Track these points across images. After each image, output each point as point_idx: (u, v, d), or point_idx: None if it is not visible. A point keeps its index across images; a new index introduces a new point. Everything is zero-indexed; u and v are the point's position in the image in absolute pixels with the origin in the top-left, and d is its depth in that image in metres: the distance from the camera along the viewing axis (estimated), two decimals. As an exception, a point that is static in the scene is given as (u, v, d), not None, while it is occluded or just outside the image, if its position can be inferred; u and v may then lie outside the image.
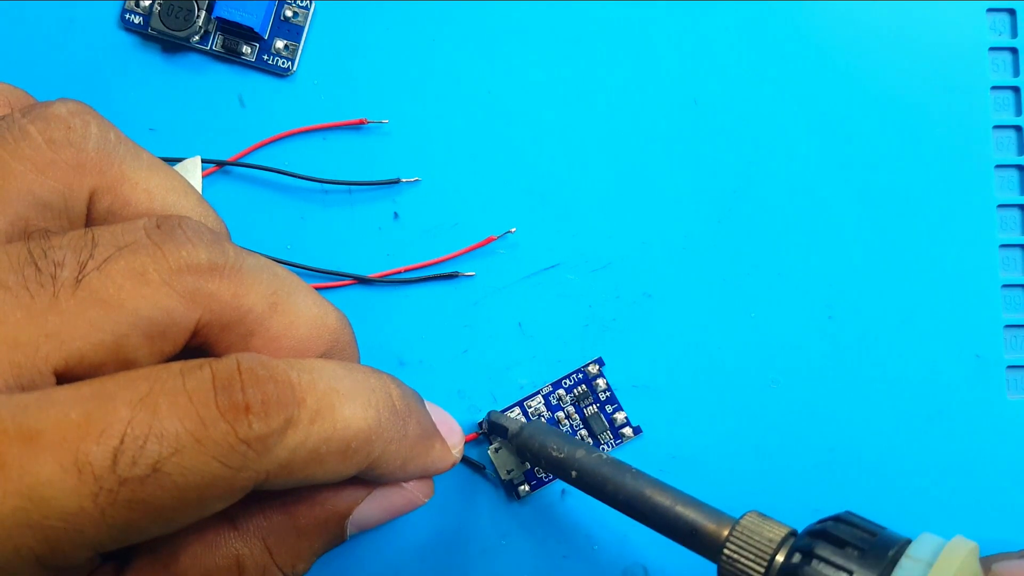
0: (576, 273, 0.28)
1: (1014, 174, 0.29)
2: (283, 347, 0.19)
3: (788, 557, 0.19)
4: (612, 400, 0.28)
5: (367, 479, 0.20)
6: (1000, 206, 0.29)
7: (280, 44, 0.28)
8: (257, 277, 0.18)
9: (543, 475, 0.27)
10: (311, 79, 0.29)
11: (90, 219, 0.19)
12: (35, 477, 0.15)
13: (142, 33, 0.28)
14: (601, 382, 0.27)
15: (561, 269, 0.28)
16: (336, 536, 0.21)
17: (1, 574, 0.15)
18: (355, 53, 0.29)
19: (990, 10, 0.30)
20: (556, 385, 0.28)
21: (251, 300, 0.18)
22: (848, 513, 0.20)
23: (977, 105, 0.29)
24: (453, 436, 0.23)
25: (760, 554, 0.19)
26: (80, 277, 0.16)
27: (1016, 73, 0.29)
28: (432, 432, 0.22)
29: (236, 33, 0.28)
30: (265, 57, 0.28)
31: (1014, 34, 0.30)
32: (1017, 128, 0.29)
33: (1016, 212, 0.29)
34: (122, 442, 0.15)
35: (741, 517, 0.20)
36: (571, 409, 0.27)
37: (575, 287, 0.28)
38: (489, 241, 0.28)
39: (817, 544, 0.19)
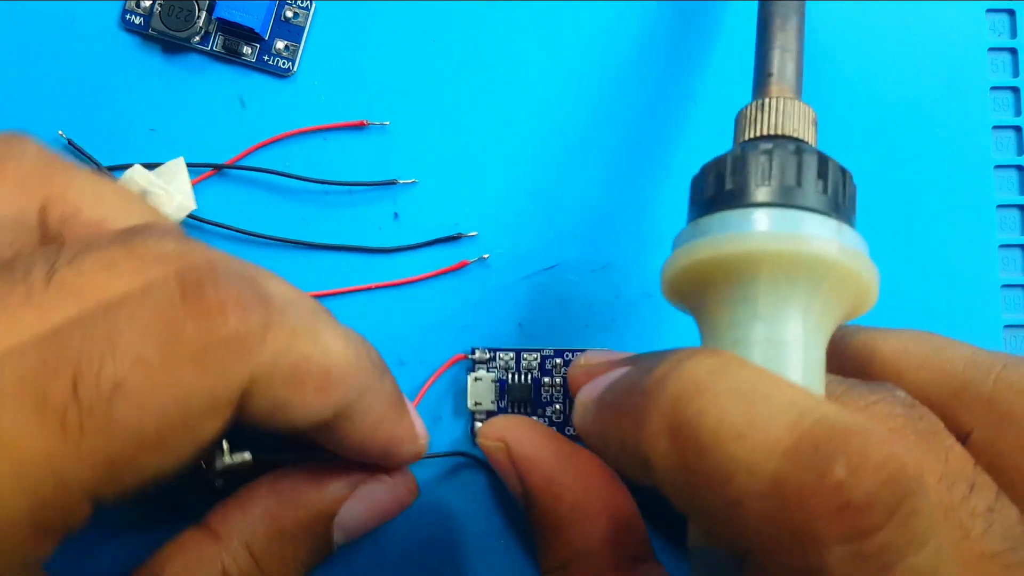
0: (576, 273, 0.28)
1: (1013, 174, 0.29)
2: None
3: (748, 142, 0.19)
4: None
5: (340, 445, 0.19)
6: (1000, 206, 0.29)
7: (280, 45, 0.28)
8: (300, 332, 0.17)
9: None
10: (311, 80, 0.29)
11: (45, 232, 0.19)
12: (1, 430, 0.14)
13: (142, 33, 0.28)
14: None
15: (561, 269, 0.28)
16: (323, 542, 0.21)
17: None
18: (355, 54, 0.29)
19: (990, 11, 0.30)
20: (558, 353, 0.27)
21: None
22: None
23: (977, 105, 0.29)
24: (420, 427, 0.22)
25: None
26: (52, 273, 0.16)
27: (1016, 73, 0.29)
28: (404, 403, 0.21)
29: (236, 34, 0.28)
30: (265, 58, 0.28)
31: (1013, 34, 0.30)
32: (1016, 128, 0.29)
33: (1015, 212, 0.29)
34: (78, 368, 0.14)
35: (770, 99, 0.19)
36: (559, 380, 0.27)
37: (575, 287, 0.28)
38: (462, 265, 0.28)
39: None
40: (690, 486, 0.15)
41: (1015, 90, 0.29)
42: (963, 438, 0.18)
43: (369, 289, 0.28)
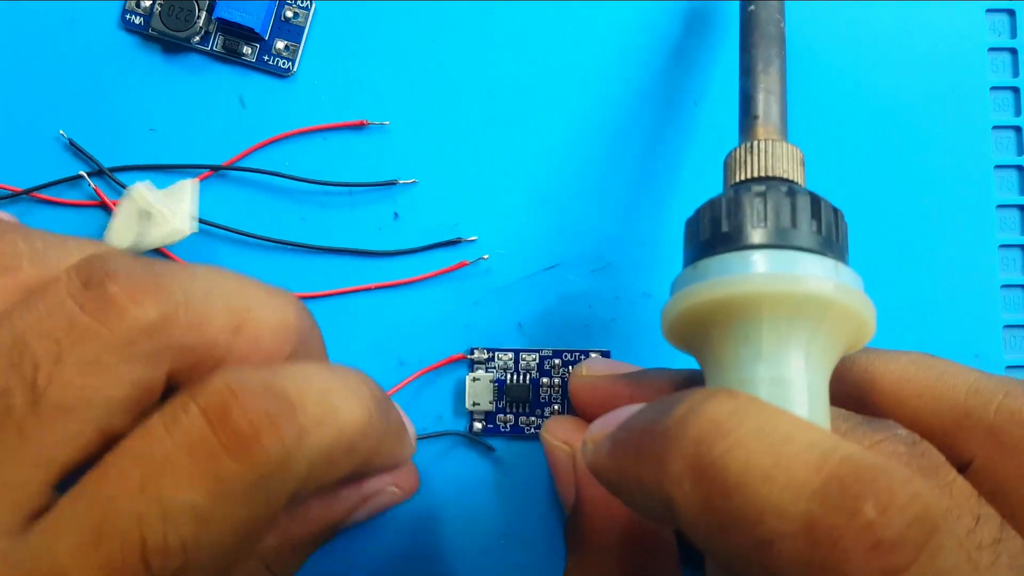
0: (576, 273, 0.28)
1: (1013, 174, 0.29)
2: (253, 364, 0.18)
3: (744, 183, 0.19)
4: None
5: (354, 475, 0.20)
6: (999, 206, 0.29)
7: (280, 45, 0.28)
8: (212, 307, 0.17)
9: (503, 424, 0.27)
10: (311, 80, 0.29)
11: None
12: None
13: (143, 34, 0.28)
14: None
15: (561, 269, 0.28)
16: (329, 538, 0.21)
17: None
18: (355, 54, 0.29)
19: (989, 11, 0.30)
20: (557, 353, 0.28)
21: (213, 333, 0.17)
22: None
23: (976, 105, 0.29)
24: (411, 429, 0.23)
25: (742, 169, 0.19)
26: (36, 398, 0.15)
27: (1015, 74, 0.29)
28: (402, 423, 0.21)
29: (237, 34, 0.28)
30: (265, 58, 0.28)
31: (1013, 35, 0.30)
32: (1016, 128, 0.29)
33: (1015, 212, 0.29)
34: (143, 543, 0.14)
35: (759, 142, 0.20)
36: (557, 381, 0.27)
37: (575, 287, 0.28)
38: (462, 265, 0.28)
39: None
40: (716, 528, 0.15)
41: (1015, 90, 0.29)
42: (964, 466, 0.18)
43: (369, 290, 0.28)
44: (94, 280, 0.15)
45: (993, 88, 0.29)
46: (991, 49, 0.29)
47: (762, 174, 0.19)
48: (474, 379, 0.27)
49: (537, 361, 0.27)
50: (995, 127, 0.29)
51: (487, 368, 0.27)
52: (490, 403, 0.27)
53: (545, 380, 0.27)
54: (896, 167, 0.29)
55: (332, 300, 0.28)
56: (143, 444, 0.15)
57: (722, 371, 0.18)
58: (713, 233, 0.18)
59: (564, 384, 0.27)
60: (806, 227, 0.18)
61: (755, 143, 0.20)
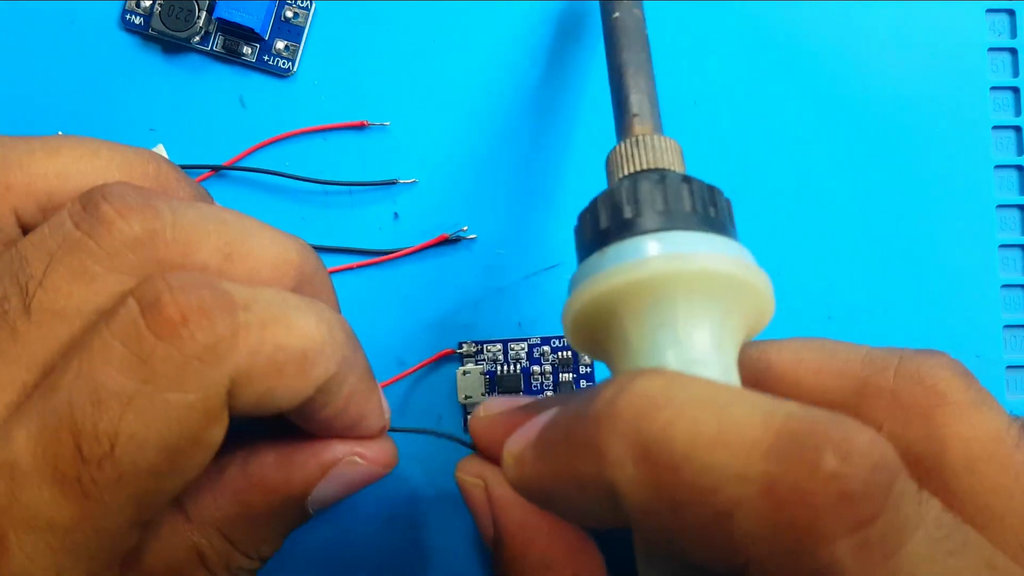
0: (576, 273, 0.28)
1: (1013, 174, 0.29)
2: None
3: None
4: (590, 378, 0.28)
5: (311, 420, 0.19)
6: (1000, 206, 0.29)
7: (280, 45, 0.28)
8: (203, 229, 0.17)
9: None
10: (311, 80, 0.29)
11: (28, 229, 0.18)
12: (29, 508, 0.14)
13: (143, 34, 0.28)
14: (588, 357, 0.27)
15: (561, 269, 0.28)
16: (296, 516, 0.20)
17: None
18: (355, 54, 0.29)
19: (989, 11, 0.30)
20: (545, 340, 0.27)
21: (202, 256, 0.17)
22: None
23: (977, 105, 0.29)
24: (386, 404, 0.22)
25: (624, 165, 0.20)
26: (28, 302, 0.16)
27: (1015, 74, 0.29)
28: (374, 378, 0.21)
29: (237, 34, 0.28)
30: (265, 58, 0.28)
31: (1013, 34, 0.30)
32: (1016, 128, 0.29)
33: (1016, 212, 0.29)
34: (76, 429, 0.15)
35: (635, 138, 0.20)
36: (548, 368, 0.27)
37: (575, 287, 0.28)
38: (442, 239, 0.28)
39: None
40: (668, 508, 0.14)
41: (1015, 90, 0.29)
42: None
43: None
44: (91, 203, 0.16)
45: (993, 88, 0.29)
46: (991, 49, 0.29)
47: (643, 167, 0.20)
48: (464, 372, 0.27)
49: (526, 350, 0.27)
50: (995, 127, 0.29)
51: (476, 361, 0.27)
52: (482, 395, 0.27)
53: (536, 368, 0.27)
54: (896, 167, 0.29)
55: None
56: (86, 337, 0.15)
57: (632, 361, 0.17)
58: (606, 225, 0.18)
59: (555, 371, 0.27)
60: (690, 207, 0.18)
61: (632, 139, 0.20)
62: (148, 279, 0.16)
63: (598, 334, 0.18)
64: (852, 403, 0.19)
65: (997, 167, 0.29)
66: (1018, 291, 0.29)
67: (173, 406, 0.15)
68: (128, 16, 0.28)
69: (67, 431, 0.15)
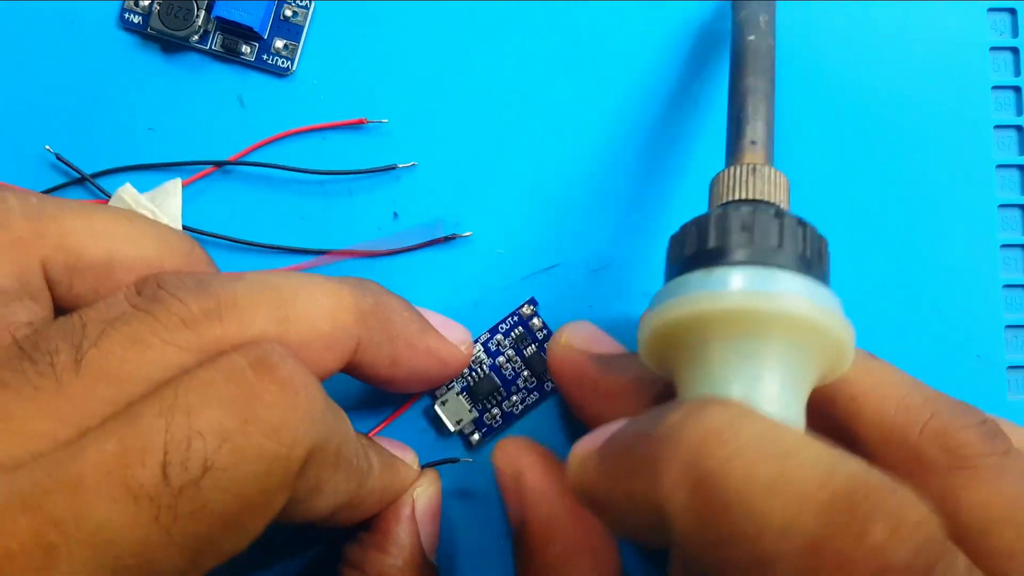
0: (576, 273, 0.28)
1: (1015, 174, 0.29)
2: (313, 352, 0.18)
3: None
4: (546, 341, 0.27)
5: (392, 378, 0.21)
6: (1001, 206, 0.29)
7: (280, 44, 0.28)
8: (255, 301, 0.17)
9: (493, 422, 0.27)
10: (311, 79, 0.28)
11: (52, 287, 0.18)
12: (93, 521, 0.14)
13: (141, 33, 0.28)
14: (537, 321, 0.27)
15: (561, 269, 0.28)
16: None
17: None
18: (355, 53, 0.29)
19: (991, 10, 0.30)
20: (492, 331, 0.27)
21: (258, 327, 0.17)
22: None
23: (978, 105, 0.29)
24: (455, 332, 0.23)
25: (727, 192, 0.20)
26: (79, 358, 0.15)
27: (1017, 73, 0.29)
28: (420, 322, 0.22)
29: (236, 33, 0.28)
30: (265, 57, 0.28)
31: (1015, 34, 0.30)
32: (1018, 128, 0.29)
33: (1017, 212, 0.29)
34: (166, 452, 0.14)
35: (750, 165, 0.20)
36: (512, 352, 0.27)
37: (575, 287, 0.28)
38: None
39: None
40: (712, 542, 0.14)
41: (1016, 89, 0.29)
42: None
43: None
44: (147, 287, 0.17)
45: (995, 87, 0.29)
46: (992, 48, 0.29)
47: (749, 196, 0.20)
48: (443, 402, 0.27)
49: (481, 349, 0.27)
50: (997, 126, 0.29)
51: (448, 387, 0.27)
52: (469, 411, 0.27)
53: (501, 359, 0.27)
54: (897, 167, 0.29)
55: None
56: (180, 376, 0.16)
57: (706, 385, 0.17)
58: (695, 250, 0.19)
59: (518, 351, 0.27)
60: (790, 248, 0.18)
61: (743, 167, 0.20)
62: (254, 344, 0.16)
63: (675, 350, 0.19)
64: (874, 443, 0.19)
65: (999, 167, 0.29)
66: (1020, 291, 0.29)
67: (264, 453, 0.15)
68: (127, 15, 0.28)
69: (153, 453, 0.14)
